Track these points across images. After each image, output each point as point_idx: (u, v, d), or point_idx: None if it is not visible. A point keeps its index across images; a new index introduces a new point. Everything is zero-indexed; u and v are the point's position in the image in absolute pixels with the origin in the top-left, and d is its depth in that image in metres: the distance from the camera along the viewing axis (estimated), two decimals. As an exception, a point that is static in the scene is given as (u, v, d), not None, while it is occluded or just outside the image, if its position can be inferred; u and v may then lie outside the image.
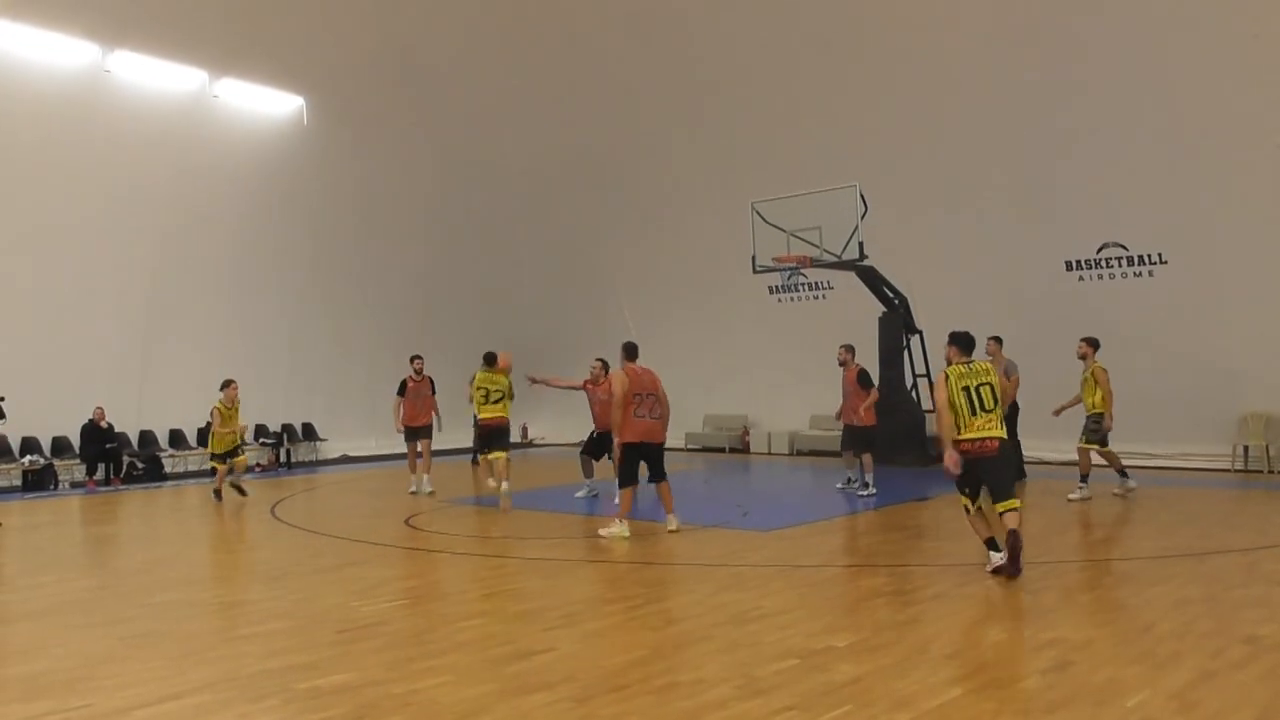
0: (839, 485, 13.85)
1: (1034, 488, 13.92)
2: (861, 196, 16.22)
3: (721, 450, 21.47)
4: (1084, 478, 12.47)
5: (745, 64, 19.84)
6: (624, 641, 6.19)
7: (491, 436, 13.04)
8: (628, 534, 10.16)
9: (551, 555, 9.60)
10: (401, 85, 21.34)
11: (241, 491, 14.55)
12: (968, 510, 8.13)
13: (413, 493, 14.30)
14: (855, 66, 18.60)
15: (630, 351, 10.68)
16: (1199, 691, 4.99)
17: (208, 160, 19.38)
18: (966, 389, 8.00)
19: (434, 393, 14.90)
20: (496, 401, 13.04)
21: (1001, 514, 7.92)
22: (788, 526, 10.77)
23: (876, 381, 16.75)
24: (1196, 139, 15.53)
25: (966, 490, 8.08)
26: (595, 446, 13.46)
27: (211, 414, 14.31)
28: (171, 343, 19.14)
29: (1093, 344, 12.72)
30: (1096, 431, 12.34)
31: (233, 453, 14.46)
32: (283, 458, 20.33)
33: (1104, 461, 12.63)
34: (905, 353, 17.40)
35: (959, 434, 7.95)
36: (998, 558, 7.79)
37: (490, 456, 12.95)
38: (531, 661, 5.79)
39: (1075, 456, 15.60)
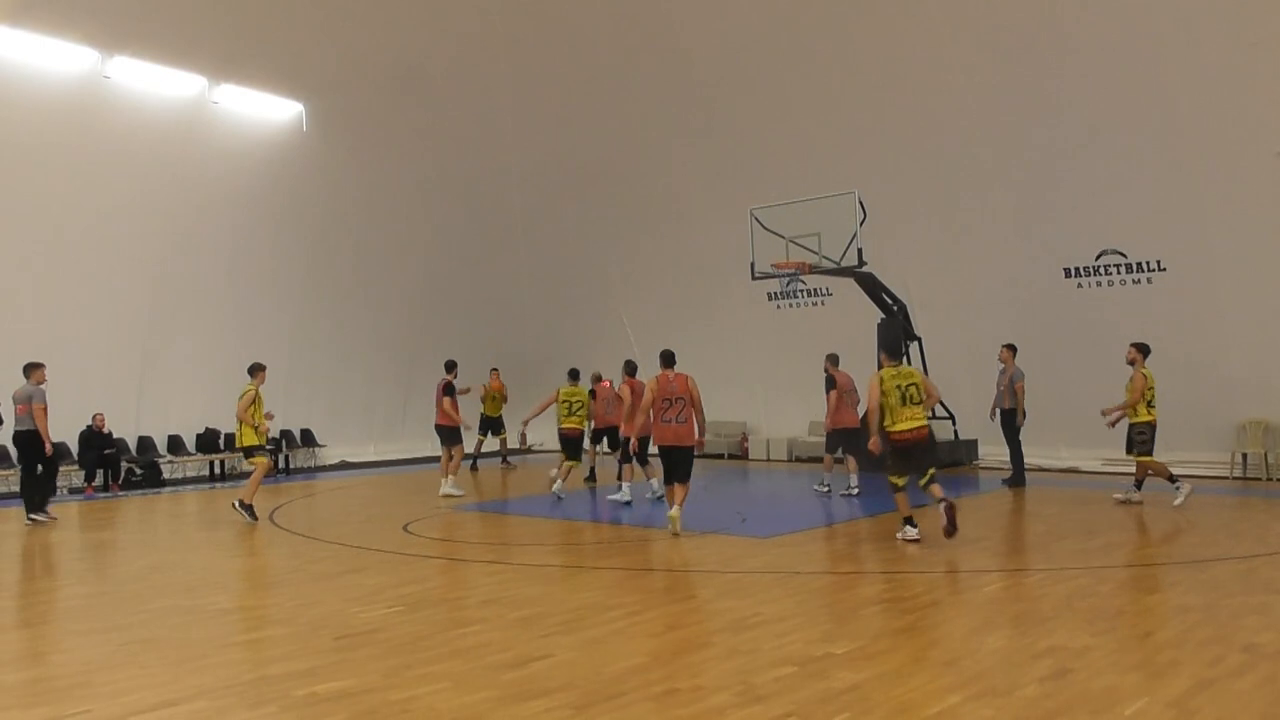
0: (842, 491, 13.87)
1: (1033, 494, 13.92)
2: (860, 203, 16.24)
3: (720, 457, 21.46)
4: (1172, 479, 12.31)
5: (744, 70, 19.87)
6: (622, 648, 6.19)
7: (574, 443, 15.00)
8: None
9: (549, 561, 9.60)
10: (401, 92, 21.35)
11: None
12: (896, 488, 10.03)
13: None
14: (854, 73, 18.63)
15: (666, 359, 11.37)
16: (1197, 699, 5.00)
17: (207, 166, 19.38)
18: (898, 387, 9.94)
19: (449, 394, 15.52)
20: (577, 413, 15.20)
21: (925, 485, 9.94)
22: (786, 533, 10.78)
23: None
24: (1195, 146, 15.55)
25: (900, 472, 10.03)
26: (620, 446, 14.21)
27: (250, 400, 12.51)
28: (171, 348, 19.12)
29: (1141, 350, 12.60)
30: (1141, 443, 12.35)
31: (261, 447, 12.93)
32: (281, 464, 20.31)
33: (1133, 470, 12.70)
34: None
35: (894, 425, 9.90)
36: (913, 532, 9.85)
37: (567, 464, 14.61)
38: (529, 668, 5.79)
39: (1074, 465, 15.64)
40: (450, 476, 15.04)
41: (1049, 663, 5.65)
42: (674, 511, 10.68)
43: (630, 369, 14.19)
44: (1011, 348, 14.66)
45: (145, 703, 5.27)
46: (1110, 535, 10.41)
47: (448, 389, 15.33)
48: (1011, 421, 14.57)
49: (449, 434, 15.33)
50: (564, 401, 15.20)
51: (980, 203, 17.88)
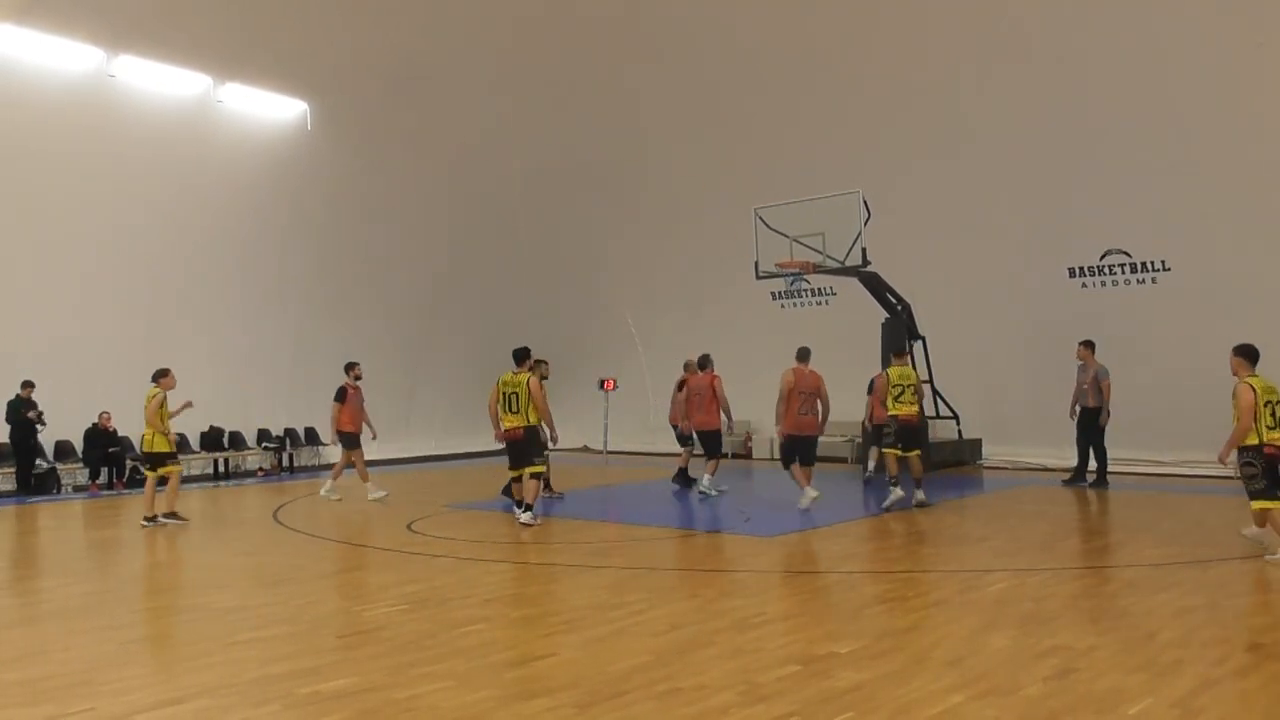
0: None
1: (1037, 494, 13.87)
2: (864, 202, 16.21)
3: (724, 456, 21.40)
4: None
5: (748, 70, 19.85)
6: (626, 647, 6.19)
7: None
8: (816, 494, 12.09)
9: (553, 560, 9.60)
10: (405, 91, 21.35)
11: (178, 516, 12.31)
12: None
13: (375, 498, 14.08)
14: (859, 73, 18.61)
15: (802, 355, 12.33)
16: (1201, 699, 4.98)
17: (212, 165, 19.40)
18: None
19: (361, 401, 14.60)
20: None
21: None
22: (789, 532, 10.76)
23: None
24: (1200, 146, 15.52)
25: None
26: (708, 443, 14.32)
27: (158, 404, 12.15)
28: (175, 346, 19.08)
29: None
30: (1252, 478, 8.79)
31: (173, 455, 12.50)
32: (285, 462, 20.33)
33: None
34: (909, 358, 17.37)
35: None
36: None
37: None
38: (533, 667, 5.78)
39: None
40: (370, 483, 14.34)
41: (1053, 662, 5.64)
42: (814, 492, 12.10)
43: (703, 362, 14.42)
44: (1089, 344, 14.46)
45: (148, 701, 5.27)
46: (1114, 535, 10.40)
47: (340, 393, 14.43)
48: (1094, 420, 14.27)
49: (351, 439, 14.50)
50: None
51: (985, 202, 17.85)
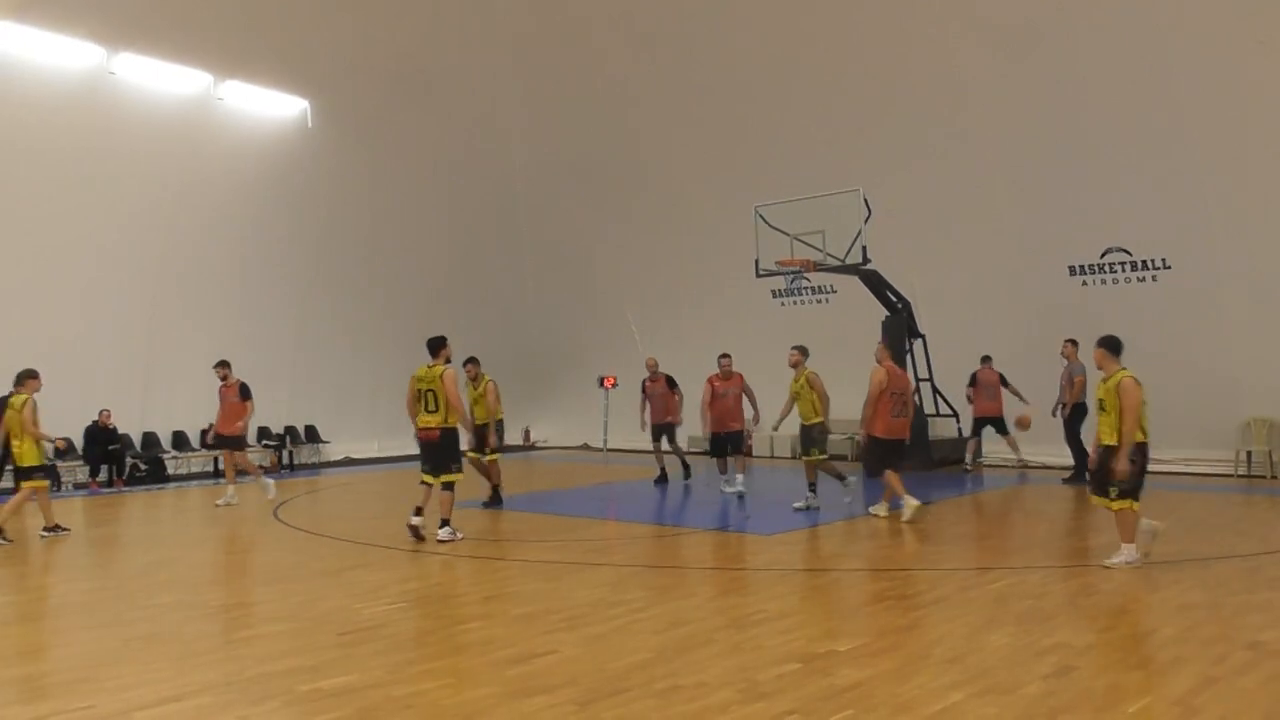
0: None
1: (1037, 492, 13.88)
2: (865, 200, 16.21)
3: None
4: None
5: (748, 68, 19.84)
6: (626, 645, 6.19)
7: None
8: (884, 514, 11.25)
9: (553, 558, 9.60)
10: (405, 88, 21.35)
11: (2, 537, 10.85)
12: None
13: (219, 504, 13.90)
14: (859, 70, 18.60)
15: (898, 352, 11.56)
16: (1201, 697, 4.98)
17: (212, 163, 19.38)
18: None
19: (248, 398, 14.36)
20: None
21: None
22: (790, 530, 10.76)
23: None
24: (1201, 143, 15.51)
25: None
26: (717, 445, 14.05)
27: (27, 411, 11.14)
28: (176, 344, 19.13)
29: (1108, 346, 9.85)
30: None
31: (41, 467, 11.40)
32: (285, 460, 20.34)
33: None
34: (909, 357, 17.37)
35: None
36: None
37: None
38: (533, 664, 5.79)
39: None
40: (231, 486, 14.24)
41: (1052, 660, 5.64)
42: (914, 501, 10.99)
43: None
44: (1074, 342, 14.63)
45: (148, 698, 5.28)
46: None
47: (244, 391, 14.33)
48: (1069, 416, 14.54)
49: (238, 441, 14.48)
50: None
51: (985, 200, 17.84)
